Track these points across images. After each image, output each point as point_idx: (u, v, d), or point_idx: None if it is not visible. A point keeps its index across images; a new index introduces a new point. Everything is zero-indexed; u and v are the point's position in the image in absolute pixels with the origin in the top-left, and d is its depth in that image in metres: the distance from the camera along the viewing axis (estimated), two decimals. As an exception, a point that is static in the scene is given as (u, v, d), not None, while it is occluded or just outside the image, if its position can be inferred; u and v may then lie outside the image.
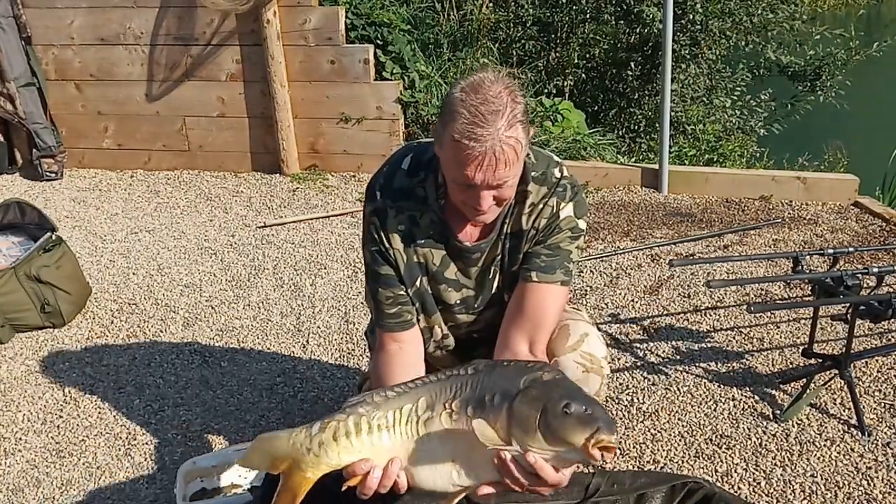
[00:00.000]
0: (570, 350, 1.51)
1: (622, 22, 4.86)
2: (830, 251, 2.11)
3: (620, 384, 2.20)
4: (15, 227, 2.75)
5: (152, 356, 2.46)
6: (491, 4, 4.90)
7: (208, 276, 3.00)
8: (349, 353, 2.43)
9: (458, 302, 1.54)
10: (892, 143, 4.72)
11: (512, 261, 1.49)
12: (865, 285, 2.06)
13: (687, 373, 2.24)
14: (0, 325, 2.52)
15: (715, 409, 2.08)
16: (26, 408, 2.23)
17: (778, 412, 2.04)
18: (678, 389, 2.17)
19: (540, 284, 1.44)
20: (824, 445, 1.92)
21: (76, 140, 4.20)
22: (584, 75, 5.05)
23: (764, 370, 2.24)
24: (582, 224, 1.48)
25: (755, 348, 2.35)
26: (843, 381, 2.02)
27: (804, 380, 2.10)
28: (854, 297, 1.92)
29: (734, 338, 2.42)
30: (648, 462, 1.89)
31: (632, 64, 4.86)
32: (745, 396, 2.12)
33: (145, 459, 1.99)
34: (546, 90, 4.67)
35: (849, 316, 1.97)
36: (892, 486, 1.78)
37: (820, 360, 2.08)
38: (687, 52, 4.70)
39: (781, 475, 1.83)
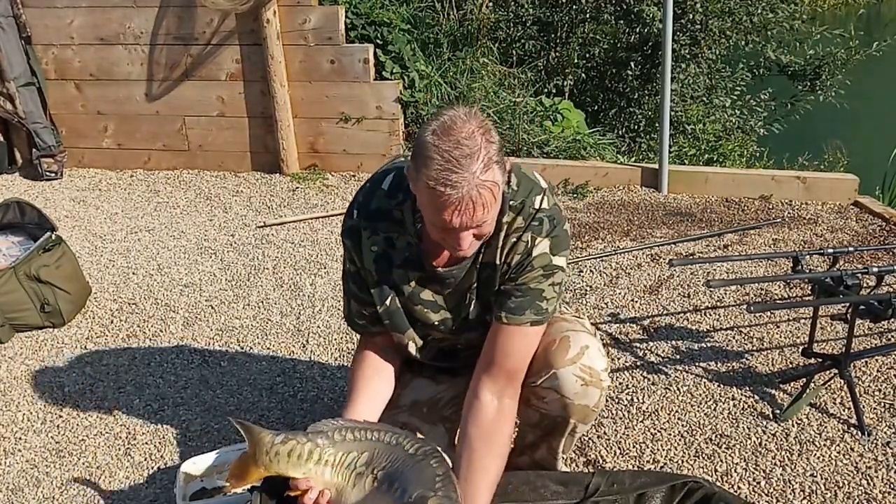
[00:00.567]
0: (569, 363, 1.49)
1: (622, 21, 4.86)
2: (830, 251, 2.12)
3: (620, 384, 2.20)
4: (15, 226, 2.75)
5: (152, 356, 2.46)
6: (491, 4, 4.90)
7: (208, 276, 3.00)
8: (349, 353, 2.43)
9: (438, 322, 1.52)
10: (891, 143, 4.72)
11: (488, 291, 1.46)
12: (865, 285, 2.06)
13: (687, 372, 2.25)
14: (0, 324, 2.52)
15: (715, 409, 2.08)
16: (26, 407, 2.23)
17: (778, 412, 2.04)
18: (678, 389, 2.17)
19: (509, 326, 1.41)
20: (824, 445, 1.92)
21: (76, 140, 4.20)
22: (583, 75, 5.05)
23: (764, 370, 2.24)
24: (559, 261, 1.42)
25: (755, 348, 2.35)
26: (842, 381, 2.02)
27: (804, 379, 2.10)
28: (854, 296, 1.92)
29: (734, 337, 2.42)
30: (648, 462, 1.89)
31: (632, 63, 4.86)
32: (745, 396, 2.12)
33: (145, 459, 1.99)
34: (546, 90, 4.67)
35: (848, 315, 1.97)
36: (892, 486, 1.78)
37: (820, 360, 2.08)
38: (687, 51, 4.70)
39: (781, 475, 1.83)
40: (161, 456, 2.00)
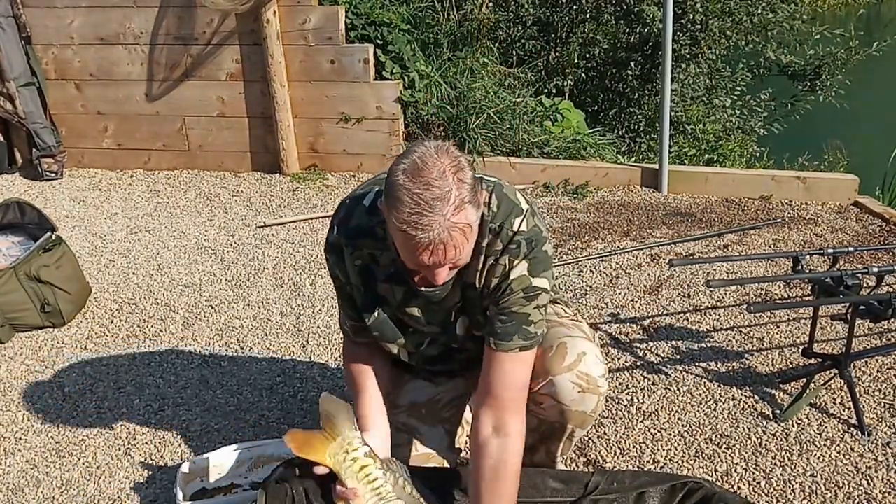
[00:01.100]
0: (566, 370, 1.48)
1: (622, 21, 4.86)
2: (830, 251, 2.11)
3: (620, 384, 2.20)
4: (15, 226, 2.75)
5: (152, 356, 2.46)
6: (491, 4, 4.90)
7: (208, 276, 3.00)
8: (349, 353, 2.43)
9: (427, 337, 1.51)
10: (891, 143, 4.72)
11: (474, 309, 1.45)
12: (865, 285, 2.06)
13: (687, 372, 2.24)
14: (0, 324, 2.52)
15: (715, 409, 2.08)
16: (26, 407, 2.23)
17: (778, 412, 2.04)
18: (678, 389, 2.17)
19: (498, 353, 1.40)
20: (824, 445, 1.92)
21: (76, 140, 4.20)
22: (584, 75, 5.05)
23: (764, 370, 2.24)
24: (540, 282, 1.38)
25: (755, 348, 2.35)
26: (842, 381, 2.02)
27: (804, 379, 2.10)
28: (854, 296, 1.92)
29: (734, 337, 2.42)
30: (648, 462, 1.89)
31: (632, 63, 4.86)
32: (745, 396, 2.12)
33: (145, 459, 1.99)
34: (546, 90, 4.67)
35: (849, 316, 1.97)
36: (892, 486, 1.78)
37: (820, 360, 2.08)
38: (687, 51, 4.70)
39: (781, 475, 1.83)
40: (161, 456, 2.00)
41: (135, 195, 3.89)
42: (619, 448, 1.94)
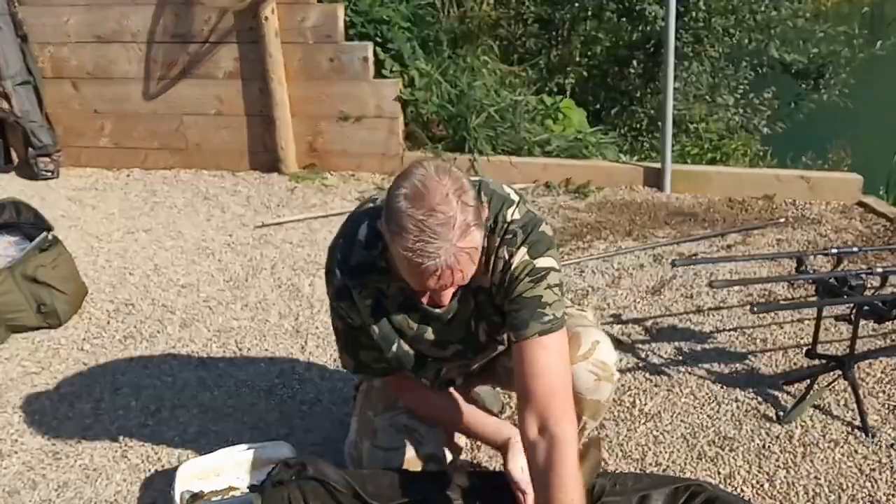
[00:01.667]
0: (581, 359, 1.48)
1: (624, 19, 4.83)
2: (834, 251, 2.10)
3: (622, 385, 2.18)
4: (10, 226, 2.73)
5: (149, 357, 2.44)
6: (492, 1, 4.88)
7: (206, 277, 2.98)
8: (348, 354, 2.41)
9: (451, 356, 1.50)
10: (896, 143, 4.69)
11: (490, 312, 1.44)
12: (869, 285, 2.04)
13: (689, 374, 2.22)
14: (-4, 325, 2.51)
15: (718, 411, 2.06)
16: (22, 409, 2.21)
17: (781, 414, 2.02)
18: (680, 391, 2.15)
19: (520, 343, 1.36)
20: (828, 447, 1.90)
21: (73, 138, 4.18)
22: (585, 73, 5.02)
23: (767, 371, 2.22)
24: (544, 262, 1.35)
25: (758, 349, 2.33)
26: (846, 383, 2.01)
27: (808, 381, 2.08)
28: (858, 297, 1.90)
29: (737, 338, 2.40)
30: (651, 464, 1.88)
31: (634, 62, 4.83)
32: (748, 398, 2.10)
33: (142, 461, 1.97)
34: (547, 88, 4.65)
35: (853, 316, 1.95)
36: (898, 490, 1.76)
37: (824, 361, 2.06)
38: (690, 49, 4.67)
39: (785, 477, 1.81)
40: (158, 458, 1.98)
41: (132, 194, 3.88)
42: (621, 450, 1.92)
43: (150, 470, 1.94)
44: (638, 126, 4.96)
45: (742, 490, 1.77)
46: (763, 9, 4.70)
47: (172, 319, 2.66)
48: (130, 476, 1.92)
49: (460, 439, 1.87)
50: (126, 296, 2.84)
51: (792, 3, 4.85)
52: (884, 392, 2.10)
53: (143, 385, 2.30)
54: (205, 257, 3.15)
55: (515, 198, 1.39)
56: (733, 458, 1.88)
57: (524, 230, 1.36)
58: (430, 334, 1.46)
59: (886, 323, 2.03)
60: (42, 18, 3.96)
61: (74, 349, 2.50)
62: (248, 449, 1.84)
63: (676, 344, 2.38)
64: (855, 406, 1.98)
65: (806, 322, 2.44)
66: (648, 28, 4.60)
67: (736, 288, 2.67)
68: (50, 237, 2.64)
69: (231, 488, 1.80)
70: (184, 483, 1.77)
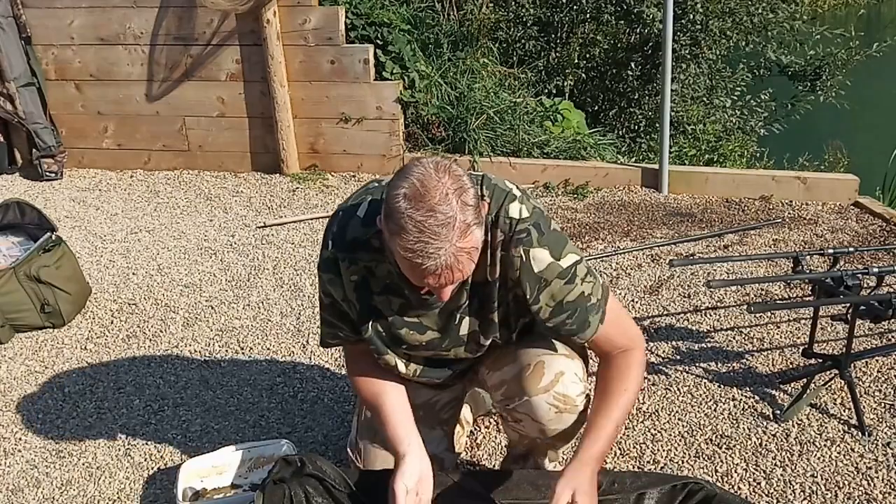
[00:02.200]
0: (542, 391, 1.45)
1: (622, 22, 4.85)
2: (830, 251, 2.11)
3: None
4: (15, 227, 2.75)
5: (152, 356, 2.46)
6: (491, 4, 4.89)
7: (208, 276, 3.00)
8: (349, 354, 2.43)
9: (424, 343, 1.48)
10: (892, 143, 4.72)
11: (485, 308, 1.42)
12: (865, 285, 2.06)
13: (687, 373, 2.24)
14: (0, 325, 2.52)
15: (715, 410, 2.08)
16: (26, 408, 2.23)
17: (778, 412, 2.03)
18: (678, 389, 2.17)
19: (594, 339, 1.42)
20: (824, 445, 1.92)
21: (76, 140, 4.20)
22: (584, 75, 5.04)
23: (764, 370, 2.24)
24: (567, 260, 1.34)
25: (755, 348, 2.35)
26: (843, 382, 2.02)
27: (804, 380, 2.09)
28: (854, 297, 1.92)
29: (734, 338, 2.42)
30: (648, 462, 1.89)
31: (632, 64, 4.85)
32: (746, 396, 2.12)
33: (145, 459, 1.99)
34: (546, 90, 4.67)
35: (849, 316, 1.96)
36: (893, 487, 1.78)
37: (820, 361, 2.08)
38: (687, 51, 4.69)
39: (782, 475, 1.83)
40: (161, 456, 2.00)
41: (135, 195, 3.89)
42: (619, 448, 1.94)
43: (152, 468, 1.96)
44: (636, 127, 4.98)
45: (739, 488, 1.79)
46: (760, 11, 4.72)
47: (175, 319, 2.68)
48: (133, 474, 1.94)
49: (460, 439, 1.88)
50: (129, 295, 2.86)
51: (789, 6, 4.87)
52: (880, 391, 2.12)
53: (145, 384, 2.32)
54: (207, 257, 3.17)
55: (517, 193, 1.37)
56: (730, 456, 1.90)
57: (538, 229, 1.33)
58: (410, 316, 1.44)
59: (882, 322, 2.05)
60: (45, 21, 3.98)
61: (78, 348, 2.52)
62: (250, 447, 1.86)
63: (674, 343, 2.40)
64: (851, 405, 2.00)
65: (802, 321, 2.46)
66: (646, 30, 4.62)
67: (733, 288, 2.69)
68: (54, 237, 2.66)
69: (233, 486, 1.82)
70: (186, 481, 1.79)
